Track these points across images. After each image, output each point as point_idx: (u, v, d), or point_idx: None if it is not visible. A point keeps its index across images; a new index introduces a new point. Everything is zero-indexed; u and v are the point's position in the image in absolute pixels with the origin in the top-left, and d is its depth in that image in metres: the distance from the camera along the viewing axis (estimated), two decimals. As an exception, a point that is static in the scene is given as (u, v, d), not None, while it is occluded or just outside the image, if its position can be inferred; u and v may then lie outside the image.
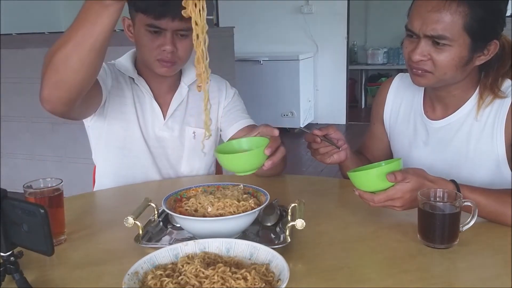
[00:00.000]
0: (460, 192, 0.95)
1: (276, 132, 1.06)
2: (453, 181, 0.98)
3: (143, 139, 1.40)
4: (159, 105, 1.42)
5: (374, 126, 1.43)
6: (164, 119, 1.42)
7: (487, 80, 1.17)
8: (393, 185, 0.95)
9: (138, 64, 1.43)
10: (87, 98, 1.13)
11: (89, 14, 0.91)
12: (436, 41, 1.07)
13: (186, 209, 0.97)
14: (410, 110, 1.32)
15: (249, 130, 1.34)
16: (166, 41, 1.26)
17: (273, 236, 0.98)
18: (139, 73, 1.42)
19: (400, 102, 1.34)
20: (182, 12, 0.87)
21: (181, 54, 1.31)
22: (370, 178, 0.96)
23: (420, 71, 1.12)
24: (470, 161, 1.20)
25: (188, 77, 1.45)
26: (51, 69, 0.97)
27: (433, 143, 1.26)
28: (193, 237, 0.94)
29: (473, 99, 1.19)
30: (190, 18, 1.20)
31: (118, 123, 1.38)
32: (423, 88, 1.28)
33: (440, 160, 1.24)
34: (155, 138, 1.42)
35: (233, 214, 0.92)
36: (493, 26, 1.10)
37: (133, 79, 1.40)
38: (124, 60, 1.43)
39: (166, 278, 0.73)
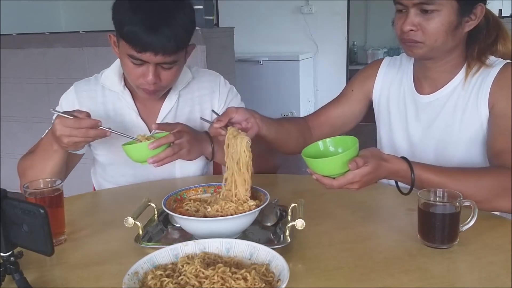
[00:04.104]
0: (413, 170, 0.97)
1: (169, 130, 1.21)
2: (404, 159, 1.00)
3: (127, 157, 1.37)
4: (146, 116, 1.39)
5: (353, 93, 1.41)
6: (151, 131, 1.36)
7: (473, 50, 1.20)
8: None
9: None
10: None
11: (44, 152, 1.26)
12: (424, 8, 1.11)
13: (187, 209, 0.97)
14: (399, 88, 1.34)
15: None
16: (149, 73, 1.22)
17: (273, 236, 0.98)
18: (127, 84, 1.38)
19: (390, 82, 1.36)
20: None
21: (165, 84, 1.28)
22: (330, 165, 0.94)
23: (411, 43, 1.16)
24: (457, 134, 1.22)
25: (179, 83, 1.41)
26: (26, 180, 1.23)
27: (423, 119, 1.28)
28: (192, 237, 0.94)
29: (461, 73, 1.22)
30: (173, 52, 1.23)
31: (99, 145, 1.38)
32: (412, 66, 1.32)
33: (430, 135, 1.27)
34: None
35: (233, 214, 0.93)
36: None
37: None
38: (111, 72, 1.39)
39: (166, 278, 0.73)
